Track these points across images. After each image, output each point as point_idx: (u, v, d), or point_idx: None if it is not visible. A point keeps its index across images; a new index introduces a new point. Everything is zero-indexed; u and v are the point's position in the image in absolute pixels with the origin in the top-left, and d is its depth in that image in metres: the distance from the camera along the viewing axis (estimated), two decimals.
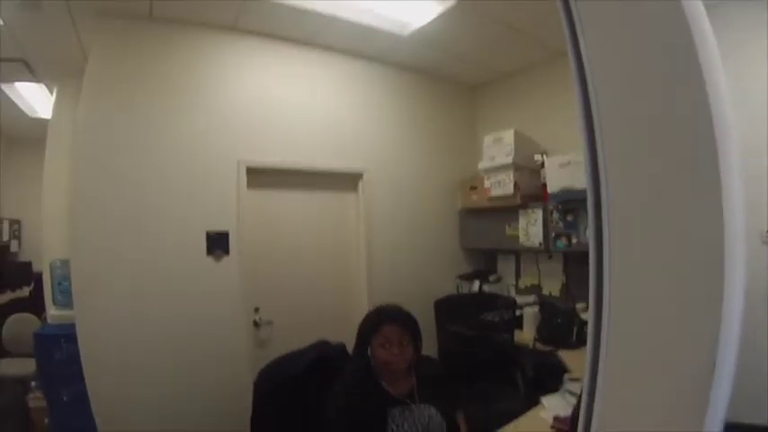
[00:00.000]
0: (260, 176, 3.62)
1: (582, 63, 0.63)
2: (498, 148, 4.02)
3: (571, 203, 3.62)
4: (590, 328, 0.63)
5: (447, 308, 4.00)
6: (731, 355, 0.49)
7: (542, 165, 3.95)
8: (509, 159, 3.93)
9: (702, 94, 0.50)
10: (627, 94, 0.60)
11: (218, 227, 3.41)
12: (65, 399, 3.10)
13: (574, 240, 3.65)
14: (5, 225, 6.45)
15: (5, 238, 6.47)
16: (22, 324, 4.31)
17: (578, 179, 3.42)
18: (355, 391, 1.98)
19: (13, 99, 4.82)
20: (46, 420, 3.35)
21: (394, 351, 2.03)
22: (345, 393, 1.99)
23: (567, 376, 2.51)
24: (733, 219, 0.49)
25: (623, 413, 0.60)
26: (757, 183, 3.07)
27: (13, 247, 6.71)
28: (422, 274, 4.39)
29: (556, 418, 2.13)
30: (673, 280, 0.54)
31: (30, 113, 5.18)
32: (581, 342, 3.24)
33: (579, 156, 3.33)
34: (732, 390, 0.50)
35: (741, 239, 0.49)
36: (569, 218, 3.68)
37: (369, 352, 2.07)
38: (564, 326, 3.39)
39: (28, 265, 6.48)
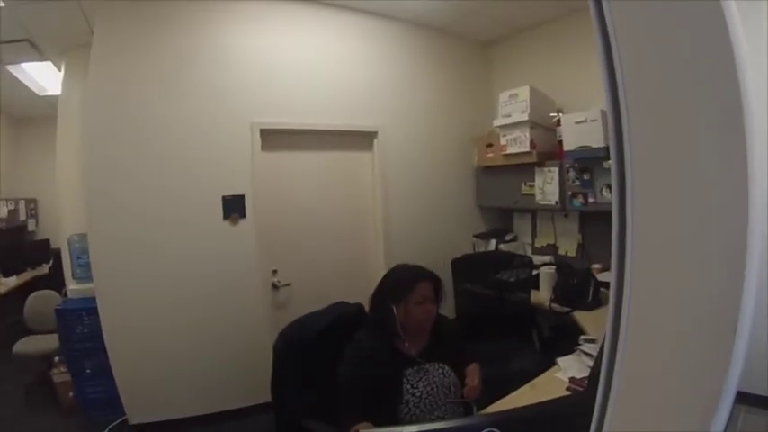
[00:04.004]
0: (274, 138, 3.60)
1: (603, 14, 0.59)
2: (514, 104, 3.95)
3: (587, 162, 3.54)
4: (612, 284, 0.62)
5: (464, 267, 4.00)
6: (749, 318, 0.48)
7: (558, 122, 3.87)
8: (525, 116, 3.85)
9: (727, 45, 0.48)
10: (651, 47, 0.57)
11: (233, 190, 3.43)
12: (88, 371, 3.20)
13: (590, 199, 3.59)
14: (22, 205, 6.56)
15: (22, 217, 6.59)
16: (43, 301, 4.39)
17: (594, 137, 3.35)
18: (371, 353, 1.99)
19: (21, 79, 4.82)
20: (71, 394, 3.48)
21: (428, 307, 2.05)
22: (361, 355, 2.00)
23: (582, 338, 2.50)
24: (758, 182, 0.48)
25: (643, 370, 0.59)
26: None
27: (31, 226, 6.85)
28: (438, 233, 4.38)
29: (572, 379, 2.14)
30: (695, 236, 0.53)
31: (39, 92, 5.18)
32: (597, 303, 3.22)
33: (595, 114, 3.30)
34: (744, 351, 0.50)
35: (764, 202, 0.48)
36: (585, 176, 3.60)
37: (396, 310, 2.03)
38: (580, 287, 3.35)
39: (46, 242, 6.64)
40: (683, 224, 0.54)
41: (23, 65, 4.52)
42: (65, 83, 4.11)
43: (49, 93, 5.03)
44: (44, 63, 4.41)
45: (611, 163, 0.61)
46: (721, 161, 0.50)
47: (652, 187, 0.57)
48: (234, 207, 3.42)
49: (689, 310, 0.54)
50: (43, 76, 4.80)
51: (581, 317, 3.09)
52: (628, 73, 0.58)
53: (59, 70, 4.30)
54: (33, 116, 6.27)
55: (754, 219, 0.47)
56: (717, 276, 0.51)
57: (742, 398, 2.98)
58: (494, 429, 1.14)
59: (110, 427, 3.20)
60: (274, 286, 3.67)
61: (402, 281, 2.11)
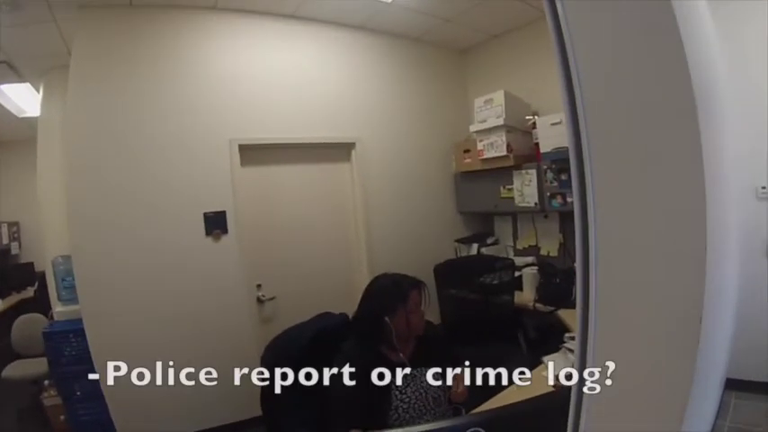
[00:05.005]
0: (253, 153, 3.63)
1: (559, 22, 0.64)
2: (489, 110, 4.00)
3: (564, 162, 3.59)
4: (579, 281, 0.65)
5: (447, 272, 4.01)
6: (719, 310, 0.52)
7: (534, 125, 3.93)
8: (500, 121, 3.91)
9: (678, 45, 0.50)
10: (606, 53, 0.60)
11: (215, 207, 3.45)
12: (78, 393, 3.17)
13: (569, 199, 3.65)
14: (4, 228, 6.46)
15: (5, 240, 6.49)
16: (30, 324, 4.36)
17: None
18: (360, 363, 1.99)
19: (0, 101, 4.78)
20: (62, 417, 3.42)
21: (422, 314, 2.10)
22: (350, 365, 1.99)
23: (567, 335, 2.54)
24: (714, 176, 0.50)
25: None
26: (756, 137, 2.99)
27: (14, 249, 6.74)
28: (420, 240, 4.42)
29: (557, 377, 2.18)
30: (656, 237, 0.55)
31: (18, 114, 5.13)
32: None
33: None
34: (722, 343, 0.53)
35: (726, 196, 0.51)
36: (563, 177, 3.66)
37: (391, 321, 2.04)
38: (563, 286, 3.42)
39: (30, 265, 6.54)
40: (644, 223, 0.56)
41: (1, 87, 4.48)
42: (44, 104, 4.09)
43: (29, 114, 4.99)
44: (23, 85, 4.39)
45: (571, 167, 0.63)
46: (679, 161, 0.52)
47: (611, 188, 0.59)
48: (216, 223, 3.44)
49: (654, 307, 0.56)
50: (22, 98, 4.76)
51: (565, 315, 3.16)
52: (584, 75, 0.61)
53: (38, 92, 4.27)
54: (13, 138, 6.18)
55: (712, 214, 0.49)
56: (679, 272, 0.53)
57: (732, 384, 3.06)
58: (478, 429, 1.17)
59: None
60: (259, 300, 3.68)
61: (393, 292, 2.11)
